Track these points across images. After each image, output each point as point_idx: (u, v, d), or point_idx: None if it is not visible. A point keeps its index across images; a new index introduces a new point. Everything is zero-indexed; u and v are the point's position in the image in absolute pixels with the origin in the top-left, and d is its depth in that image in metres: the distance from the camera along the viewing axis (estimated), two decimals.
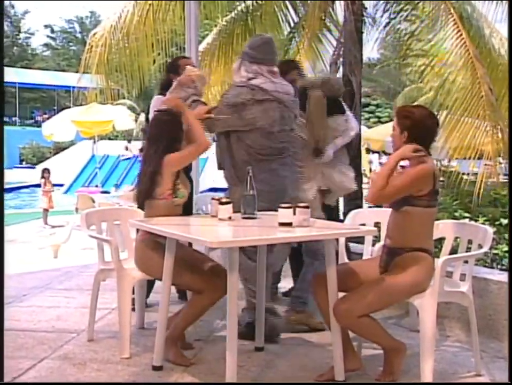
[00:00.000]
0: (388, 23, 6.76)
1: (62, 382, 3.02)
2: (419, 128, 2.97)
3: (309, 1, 7.48)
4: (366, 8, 6.57)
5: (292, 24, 7.78)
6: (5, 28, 47.49)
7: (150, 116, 3.99)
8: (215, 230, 3.14)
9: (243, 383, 2.96)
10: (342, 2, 6.51)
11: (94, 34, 7.96)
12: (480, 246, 3.17)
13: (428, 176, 2.93)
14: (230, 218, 3.12)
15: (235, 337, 2.68)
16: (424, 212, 2.95)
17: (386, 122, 28.43)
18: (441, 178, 7.46)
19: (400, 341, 3.07)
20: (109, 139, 25.99)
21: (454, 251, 3.53)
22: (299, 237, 3.08)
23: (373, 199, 3.00)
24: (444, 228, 3.46)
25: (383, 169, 3.00)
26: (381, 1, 6.71)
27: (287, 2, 7.60)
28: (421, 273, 2.96)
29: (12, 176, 23.76)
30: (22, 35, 49.13)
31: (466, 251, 3.35)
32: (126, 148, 22.30)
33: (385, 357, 3.08)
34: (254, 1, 7.69)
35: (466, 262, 3.26)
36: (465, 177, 5.93)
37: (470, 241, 3.33)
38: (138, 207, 3.45)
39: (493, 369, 3.25)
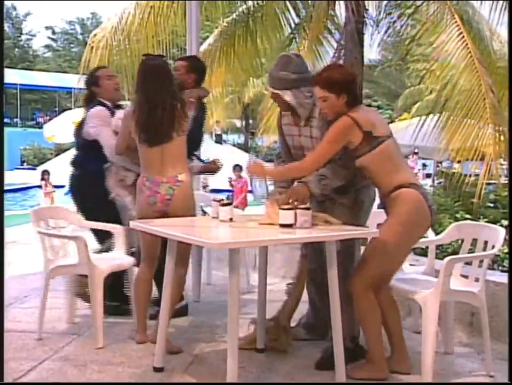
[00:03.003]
0: (389, 27, 6.76)
1: (63, 382, 3.02)
2: (350, 82, 3.05)
3: (310, 2, 7.49)
4: (367, 10, 6.57)
5: (293, 26, 7.78)
6: (7, 29, 47.59)
7: (91, 129, 3.98)
8: (215, 231, 3.14)
9: (242, 383, 2.96)
10: (343, 3, 6.51)
11: (95, 35, 7.97)
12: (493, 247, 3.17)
13: (348, 127, 2.96)
14: (231, 219, 3.12)
15: (236, 338, 2.68)
16: (373, 155, 2.97)
17: (388, 123, 28.41)
18: (442, 180, 7.48)
19: (380, 360, 3.03)
20: None
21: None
22: (300, 238, 3.07)
23: (299, 174, 3.09)
24: (461, 229, 3.46)
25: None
26: (384, 3, 6.70)
27: (288, 3, 7.60)
28: (404, 209, 2.94)
29: (13, 178, 23.79)
30: (23, 37, 49.19)
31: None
32: None
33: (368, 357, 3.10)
34: (255, 2, 7.69)
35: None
36: (466, 178, 5.92)
37: (484, 242, 3.32)
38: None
39: (494, 371, 3.24)
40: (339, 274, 2.99)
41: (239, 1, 7.80)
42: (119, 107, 4.21)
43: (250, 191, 14.51)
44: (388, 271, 3.06)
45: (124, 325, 3.92)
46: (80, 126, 4.17)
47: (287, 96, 3.24)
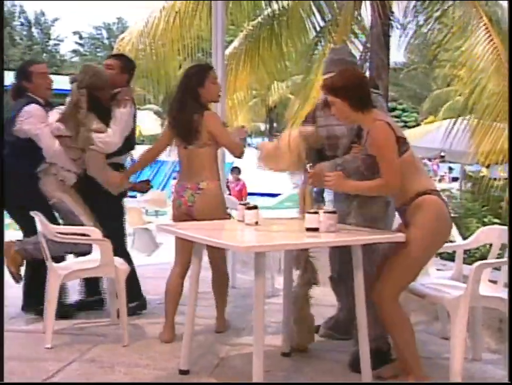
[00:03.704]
0: (416, 31, 6.71)
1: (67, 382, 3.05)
2: (355, 86, 2.94)
3: (335, 5, 7.47)
4: (393, 12, 6.53)
5: (318, 29, 7.77)
6: (36, 35, 48.39)
7: (27, 127, 3.85)
8: (241, 235, 3.14)
9: (250, 383, 2.95)
10: (369, 6, 6.48)
11: (122, 39, 8.06)
12: None
13: (389, 131, 2.88)
14: (256, 223, 3.12)
15: (262, 342, 2.67)
16: (400, 160, 2.88)
17: (413, 126, 28.19)
18: (470, 184, 7.40)
19: (419, 368, 2.93)
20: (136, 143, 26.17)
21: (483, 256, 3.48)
22: (326, 242, 3.05)
23: (389, 193, 3.00)
24: (490, 233, 3.42)
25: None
26: (411, 5, 6.65)
27: (313, 7, 7.59)
28: (428, 217, 2.88)
29: None
30: (51, 42, 49.91)
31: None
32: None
33: (398, 363, 3.05)
34: (281, 5, 7.70)
35: None
36: (494, 182, 5.85)
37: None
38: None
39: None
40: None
41: (264, 5, 7.82)
42: (49, 104, 4.14)
43: (250, 194, 14.47)
44: (411, 277, 3.01)
45: (148, 327, 3.95)
46: (10, 122, 3.94)
47: None
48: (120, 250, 3.91)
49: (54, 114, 3.94)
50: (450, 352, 2.97)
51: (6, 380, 3.01)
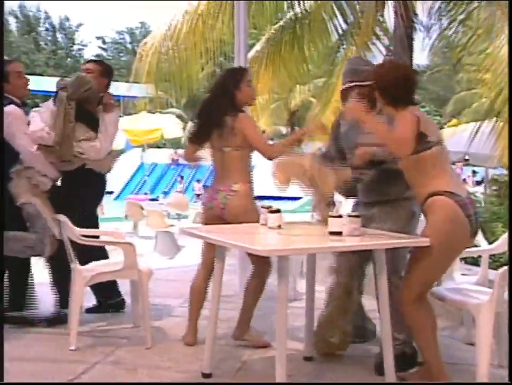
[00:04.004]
0: (440, 33, 6.64)
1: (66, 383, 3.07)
2: (383, 79, 2.95)
3: (358, 7, 7.43)
4: (416, 14, 6.48)
5: (340, 32, 7.74)
6: (60, 40, 48.97)
7: (9, 128, 3.75)
8: (264, 238, 3.14)
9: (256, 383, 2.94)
10: (391, 8, 6.44)
11: (145, 43, 8.12)
12: None
13: (414, 120, 2.86)
14: (279, 226, 3.12)
15: (285, 346, 2.67)
16: (418, 157, 2.87)
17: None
18: (495, 187, 7.30)
19: (441, 372, 2.91)
20: (158, 147, 26.39)
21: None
22: (349, 246, 3.03)
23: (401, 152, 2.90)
24: None
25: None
26: (434, 7, 6.58)
27: (335, 10, 7.57)
28: (437, 219, 2.85)
29: None
30: (75, 47, 50.48)
31: None
32: (173, 160, 22.56)
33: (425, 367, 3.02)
34: (303, 9, 7.68)
35: None
36: None
37: None
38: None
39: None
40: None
41: (286, 8, 7.81)
42: (25, 105, 4.13)
43: (270, 198, 14.30)
44: (431, 281, 2.98)
45: (171, 329, 3.96)
46: None
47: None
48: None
49: (37, 120, 3.89)
50: (476, 358, 2.93)
51: (32, 380, 3.06)
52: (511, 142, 4.50)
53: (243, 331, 3.67)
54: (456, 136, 10.23)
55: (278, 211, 3.14)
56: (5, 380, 3.01)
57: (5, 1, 3.08)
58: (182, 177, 18.77)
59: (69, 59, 48.58)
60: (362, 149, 3.22)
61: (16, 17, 47.76)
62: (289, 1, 7.62)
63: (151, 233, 9.81)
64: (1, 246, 3.59)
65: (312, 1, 7.63)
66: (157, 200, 14.70)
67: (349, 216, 2.94)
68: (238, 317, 3.68)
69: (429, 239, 2.82)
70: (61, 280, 4.01)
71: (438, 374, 2.91)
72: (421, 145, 2.88)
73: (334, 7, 7.58)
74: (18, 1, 46.59)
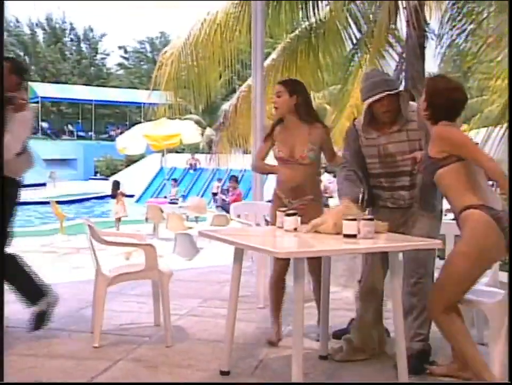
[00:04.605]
0: (452, 41, 6.60)
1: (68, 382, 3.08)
2: (436, 98, 2.96)
3: (371, 17, 7.42)
4: (428, 24, 6.45)
5: (354, 41, 7.73)
6: (84, 49, 49.41)
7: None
8: (281, 241, 3.14)
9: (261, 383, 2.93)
10: (404, 18, 6.42)
11: (165, 52, 8.17)
12: None
13: (449, 130, 2.92)
14: (295, 229, 3.11)
15: (301, 345, 2.66)
16: (455, 167, 2.87)
17: None
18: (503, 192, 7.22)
19: (487, 370, 2.86)
20: (177, 152, 26.51)
21: None
22: (364, 249, 3.03)
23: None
24: None
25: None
26: (445, 18, 6.56)
27: (349, 19, 7.57)
28: (471, 233, 2.82)
29: (88, 187, 24.60)
30: (98, 56, 50.89)
31: None
32: (191, 165, 22.58)
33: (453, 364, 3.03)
34: (318, 19, 7.68)
35: None
36: None
37: None
38: None
39: None
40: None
41: (301, 18, 7.82)
42: None
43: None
44: (463, 290, 2.94)
45: (191, 329, 3.97)
46: None
47: (402, 97, 3.31)
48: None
49: None
50: (489, 358, 2.90)
51: (57, 377, 3.08)
52: (511, 142, 4.44)
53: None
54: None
55: (294, 214, 3.14)
56: (35, 377, 3.05)
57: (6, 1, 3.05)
58: (176, 180, 18.49)
59: (92, 68, 48.98)
60: (418, 154, 3.19)
61: (43, 28, 48.25)
62: (304, 11, 7.62)
63: (171, 235, 9.85)
64: (2, 247, 3.53)
65: (327, 11, 7.63)
66: (176, 203, 14.75)
67: (363, 219, 2.92)
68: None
69: (458, 250, 2.85)
70: (16, 278, 3.72)
71: (483, 373, 2.84)
72: (456, 156, 2.87)
73: (348, 17, 7.58)
74: (46, 13, 46.86)
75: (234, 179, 13.10)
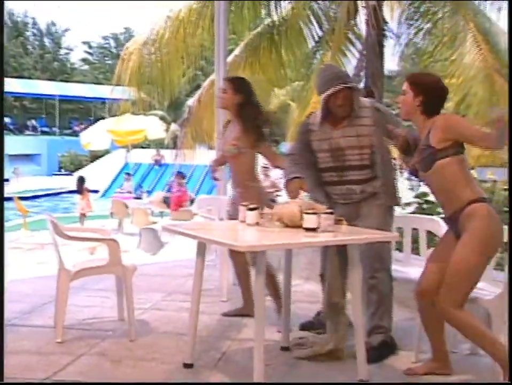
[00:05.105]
0: (408, 42, 6.71)
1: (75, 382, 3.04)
2: (432, 92, 2.92)
3: (332, 15, 7.47)
4: (387, 23, 6.53)
5: (316, 38, 7.77)
6: (47, 44, 48.40)
7: None
8: (243, 234, 3.14)
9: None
10: (364, 17, 6.48)
11: (127, 48, 8.06)
12: None
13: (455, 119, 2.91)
14: (257, 223, 3.12)
15: (263, 337, 2.67)
16: (456, 160, 2.82)
17: None
18: None
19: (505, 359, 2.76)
20: (142, 147, 26.23)
21: None
22: (324, 241, 3.06)
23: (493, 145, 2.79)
24: None
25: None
26: (403, 17, 6.65)
27: (311, 17, 7.60)
28: (483, 225, 2.77)
29: (52, 183, 24.15)
30: (62, 51, 49.92)
31: None
32: (156, 161, 22.31)
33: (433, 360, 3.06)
34: (280, 16, 7.69)
35: None
36: (483, 184, 5.84)
37: None
38: None
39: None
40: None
41: (264, 15, 7.82)
42: None
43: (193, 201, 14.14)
44: (474, 284, 2.87)
45: (154, 322, 3.94)
46: None
47: (358, 94, 3.36)
48: None
49: None
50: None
51: (20, 373, 3.02)
52: (511, 142, 4.52)
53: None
54: None
55: (255, 209, 3.14)
56: None
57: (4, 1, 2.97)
58: (128, 174, 18.13)
59: (56, 63, 48.00)
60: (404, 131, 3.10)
61: (4, 22, 47.07)
62: (267, 8, 7.62)
63: (136, 231, 9.77)
64: (2, 247, 3.49)
65: (288, 9, 7.65)
66: (141, 198, 14.61)
67: (324, 212, 2.95)
68: None
69: (469, 243, 2.77)
70: None
71: (503, 361, 2.77)
72: (456, 148, 2.84)
73: (310, 15, 7.61)
74: (7, 7, 45.81)
75: (180, 175, 12.64)
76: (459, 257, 2.80)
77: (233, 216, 3.75)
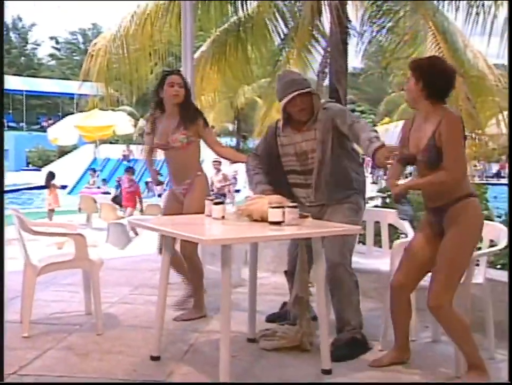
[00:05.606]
0: (371, 40, 6.78)
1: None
2: (433, 75, 2.77)
3: (297, 13, 7.49)
4: (350, 21, 6.58)
5: (282, 36, 7.79)
6: (14, 39, 47.32)
7: None
8: (209, 228, 3.13)
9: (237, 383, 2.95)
10: (328, 15, 6.52)
11: (95, 44, 7.93)
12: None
13: (463, 128, 2.77)
14: (223, 217, 3.11)
15: (229, 328, 2.67)
16: None
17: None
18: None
19: (482, 367, 2.79)
20: (110, 143, 25.91)
21: None
22: (289, 235, 3.07)
23: (453, 183, 2.75)
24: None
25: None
26: (366, 16, 6.72)
27: (277, 14, 7.61)
28: (474, 219, 2.78)
29: (19, 178, 23.66)
30: (29, 46, 48.91)
31: None
32: (124, 156, 22.09)
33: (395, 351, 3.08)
34: (246, 13, 7.68)
35: None
36: None
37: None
38: None
39: None
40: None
41: (230, 12, 7.79)
42: None
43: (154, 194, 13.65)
44: (460, 279, 2.82)
45: (121, 316, 3.91)
46: None
47: (316, 98, 3.34)
48: None
49: None
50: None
51: None
52: (511, 142, 4.55)
53: (198, 310, 3.94)
54: (390, 133, 10.48)
55: (221, 203, 3.14)
56: None
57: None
58: (94, 170, 17.83)
59: (22, 58, 47.02)
60: (387, 148, 2.97)
61: None
62: (233, 5, 7.60)
63: (104, 225, 9.65)
64: (2, 246, 3.42)
65: (254, 7, 7.64)
66: (109, 193, 14.44)
67: (288, 206, 2.96)
68: None
69: (459, 236, 2.75)
70: None
71: (479, 368, 2.78)
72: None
73: (276, 12, 7.62)
74: None
75: (131, 171, 12.24)
76: (454, 252, 2.75)
77: (171, 211, 3.81)
